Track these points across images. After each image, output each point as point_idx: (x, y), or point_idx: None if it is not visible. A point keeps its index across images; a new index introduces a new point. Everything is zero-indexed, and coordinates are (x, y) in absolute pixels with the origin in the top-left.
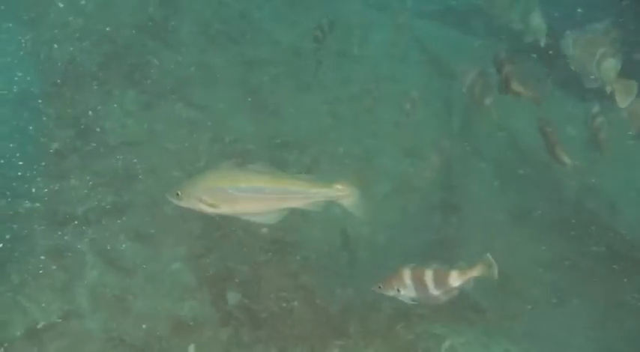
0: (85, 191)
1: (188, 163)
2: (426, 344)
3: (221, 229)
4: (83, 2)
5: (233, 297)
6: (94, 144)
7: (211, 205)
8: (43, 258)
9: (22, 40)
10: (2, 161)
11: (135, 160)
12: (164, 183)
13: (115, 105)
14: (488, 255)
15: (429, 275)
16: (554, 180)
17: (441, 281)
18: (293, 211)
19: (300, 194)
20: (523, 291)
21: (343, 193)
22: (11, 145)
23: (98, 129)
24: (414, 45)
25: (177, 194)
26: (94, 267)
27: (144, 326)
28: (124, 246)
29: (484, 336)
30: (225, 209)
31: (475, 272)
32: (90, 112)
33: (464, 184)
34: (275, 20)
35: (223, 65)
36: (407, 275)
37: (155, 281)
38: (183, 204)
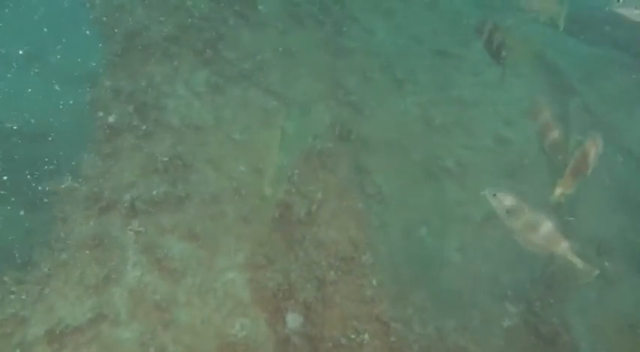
0: (136, 175)
1: (256, 157)
2: None
3: (287, 238)
4: None
5: (293, 320)
6: (153, 124)
7: None
8: (78, 246)
9: (90, 4)
10: (48, 130)
11: (196, 147)
12: (226, 178)
13: (182, 84)
14: None
15: None
16: None
17: None
18: (372, 226)
19: None
20: None
21: None
22: (62, 115)
23: (159, 108)
24: (525, 50)
25: None
26: (135, 265)
27: (186, 342)
28: (173, 244)
29: None
30: None
31: None
32: (153, 88)
33: (577, 215)
34: (370, 8)
35: (307, 51)
36: None
37: (205, 291)
38: None
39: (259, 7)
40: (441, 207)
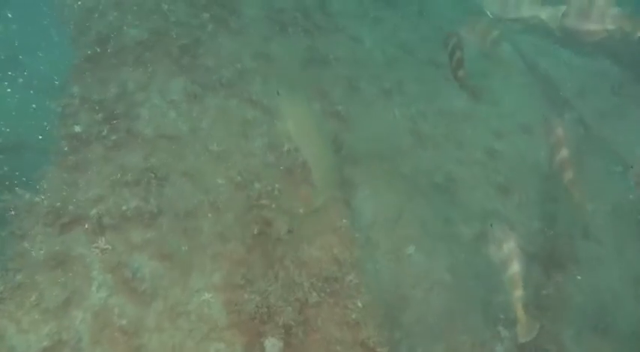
0: (104, 189)
1: (234, 170)
2: None
3: (268, 256)
4: None
5: (272, 345)
6: (124, 134)
7: None
8: (36, 266)
9: (59, 7)
10: (7, 139)
11: (170, 159)
12: (202, 191)
13: (157, 92)
14: None
15: None
16: None
17: None
18: (357, 244)
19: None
20: None
21: None
22: (24, 124)
23: (132, 118)
24: (517, 62)
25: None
26: (101, 286)
27: None
28: (143, 263)
29: None
30: None
31: None
32: (124, 96)
33: (572, 234)
34: (357, 15)
35: (291, 59)
36: None
37: (177, 313)
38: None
39: (242, 13)
40: (430, 224)
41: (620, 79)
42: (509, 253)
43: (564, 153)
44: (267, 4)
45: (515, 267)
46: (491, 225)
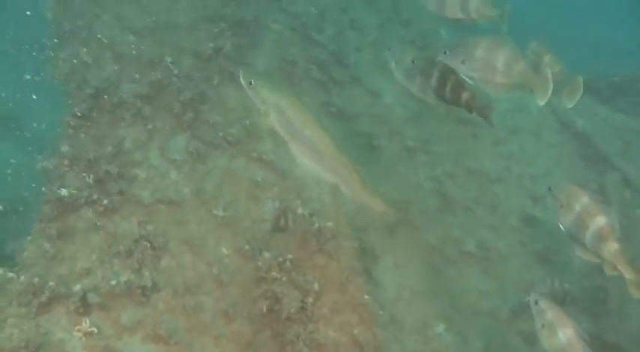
0: (92, 262)
1: (241, 238)
2: None
3: (279, 338)
4: (135, 18)
5: None
6: (118, 198)
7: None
8: None
9: (56, 58)
10: None
11: (170, 226)
12: (205, 263)
13: (156, 150)
14: None
15: None
16: None
17: None
18: (380, 323)
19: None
20: None
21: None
22: (4, 187)
23: (127, 179)
24: (550, 118)
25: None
26: None
27: None
28: (134, 347)
29: None
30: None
31: None
32: (120, 155)
33: (624, 312)
34: (376, 68)
35: None
36: None
37: None
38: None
39: (251, 66)
40: (461, 299)
41: None
42: (568, 344)
43: (600, 221)
44: (279, 56)
45: None
46: (536, 303)
